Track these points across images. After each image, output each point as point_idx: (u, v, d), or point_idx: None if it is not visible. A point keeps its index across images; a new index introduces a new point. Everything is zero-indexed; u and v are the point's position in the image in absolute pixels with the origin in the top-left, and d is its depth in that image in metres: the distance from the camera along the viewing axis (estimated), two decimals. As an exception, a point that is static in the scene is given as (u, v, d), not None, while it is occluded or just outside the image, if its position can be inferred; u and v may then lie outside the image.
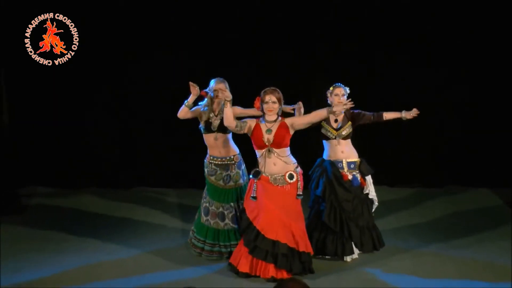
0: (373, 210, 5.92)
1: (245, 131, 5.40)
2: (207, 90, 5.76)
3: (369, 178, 5.85)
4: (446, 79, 7.97)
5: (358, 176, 5.77)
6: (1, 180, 7.09)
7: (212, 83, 5.77)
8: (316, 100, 6.37)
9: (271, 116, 5.35)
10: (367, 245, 5.79)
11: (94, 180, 8.10)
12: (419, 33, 7.83)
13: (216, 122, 5.75)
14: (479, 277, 5.36)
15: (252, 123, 5.39)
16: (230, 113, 5.32)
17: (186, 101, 5.71)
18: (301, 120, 5.42)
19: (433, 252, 5.96)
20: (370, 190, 5.86)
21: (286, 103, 5.54)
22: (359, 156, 5.84)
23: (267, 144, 5.31)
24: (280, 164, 5.32)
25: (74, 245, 6.12)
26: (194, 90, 5.66)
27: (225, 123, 5.40)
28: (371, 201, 5.88)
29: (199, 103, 5.82)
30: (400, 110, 5.78)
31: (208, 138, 5.81)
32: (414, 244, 6.16)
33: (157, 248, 6.06)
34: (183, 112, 5.73)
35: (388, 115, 5.78)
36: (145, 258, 5.82)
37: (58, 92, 7.87)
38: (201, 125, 5.81)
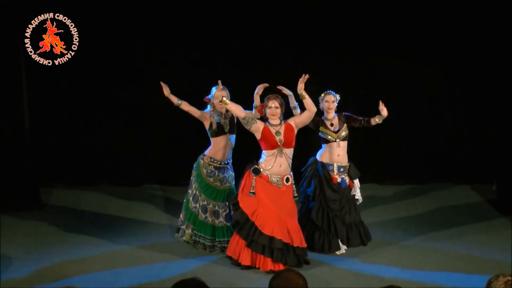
0: (358, 204, 6.19)
1: (251, 129, 5.51)
2: (209, 97, 5.99)
3: (356, 181, 6.14)
4: (434, 81, 8.07)
5: (347, 179, 6.05)
6: (24, 179, 7.19)
7: (214, 90, 5.96)
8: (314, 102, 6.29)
9: (274, 120, 5.55)
10: (354, 240, 6.06)
11: (107, 178, 8.14)
12: (417, 34, 7.88)
13: (226, 124, 5.95)
14: (460, 267, 5.64)
15: (260, 125, 5.51)
16: (233, 107, 5.52)
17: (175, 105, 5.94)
18: (301, 117, 5.58)
19: (418, 244, 6.23)
20: (357, 192, 6.13)
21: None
22: (349, 161, 6.12)
23: (279, 144, 5.50)
24: (285, 166, 5.53)
25: (89, 238, 6.32)
26: (164, 90, 5.89)
27: (235, 115, 5.60)
28: (357, 199, 6.17)
29: (205, 110, 6.03)
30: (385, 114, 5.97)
31: (220, 141, 5.96)
32: (400, 237, 6.41)
33: (164, 240, 6.28)
34: (184, 109, 5.95)
35: (374, 121, 6.03)
36: (154, 250, 6.04)
37: (65, 93, 7.88)
38: (214, 128, 5.92)
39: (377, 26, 7.92)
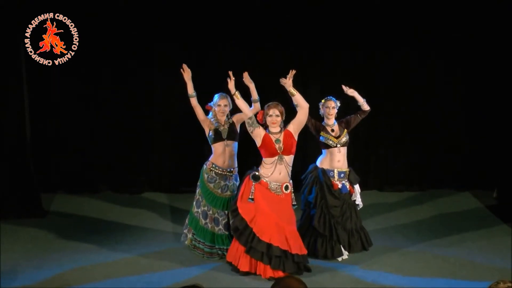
0: (358, 209, 6.20)
1: (253, 132, 5.53)
2: (211, 104, 6.01)
3: (357, 187, 6.16)
4: (434, 86, 8.11)
5: (347, 184, 6.07)
6: (25, 186, 7.16)
7: (216, 97, 6.01)
8: (312, 105, 6.26)
9: (275, 128, 5.57)
10: (356, 246, 6.08)
11: (109, 185, 8.12)
12: (417, 35, 7.89)
13: (225, 130, 5.97)
14: (460, 274, 5.68)
15: (262, 131, 5.54)
16: (243, 105, 5.48)
17: (188, 94, 5.94)
18: (296, 118, 5.57)
19: (419, 250, 6.26)
20: (357, 197, 6.15)
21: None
22: (348, 166, 6.14)
23: (279, 151, 5.51)
24: (284, 173, 5.53)
25: (91, 245, 6.31)
26: (185, 74, 5.90)
27: (243, 112, 5.57)
28: (357, 205, 6.19)
29: (208, 116, 6.04)
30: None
31: (218, 147, 5.97)
32: (401, 243, 6.43)
33: (165, 248, 6.29)
34: (192, 103, 5.96)
35: (364, 105, 6.10)
36: (155, 257, 6.05)
37: (65, 95, 7.85)
38: (211, 134, 5.97)
39: (377, 27, 7.95)
